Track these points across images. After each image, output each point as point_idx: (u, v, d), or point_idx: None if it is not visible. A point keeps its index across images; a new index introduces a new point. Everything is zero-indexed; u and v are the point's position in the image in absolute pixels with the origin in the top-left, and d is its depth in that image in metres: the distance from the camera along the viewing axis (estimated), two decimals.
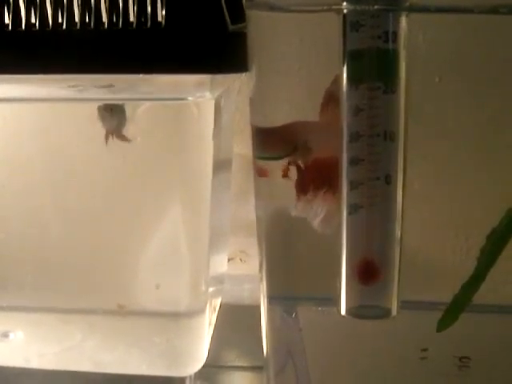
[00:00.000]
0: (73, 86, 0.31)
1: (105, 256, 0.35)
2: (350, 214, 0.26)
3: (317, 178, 0.27)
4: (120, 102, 0.32)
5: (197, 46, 0.28)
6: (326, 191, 0.27)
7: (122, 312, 0.35)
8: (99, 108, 0.32)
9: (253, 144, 0.29)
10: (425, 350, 0.29)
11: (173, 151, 0.33)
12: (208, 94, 0.31)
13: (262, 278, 0.30)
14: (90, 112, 0.33)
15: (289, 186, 0.28)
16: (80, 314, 0.36)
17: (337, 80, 0.25)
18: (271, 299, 0.30)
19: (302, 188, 0.27)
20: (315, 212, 0.27)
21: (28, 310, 0.36)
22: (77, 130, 0.34)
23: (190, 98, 0.31)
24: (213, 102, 0.31)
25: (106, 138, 0.33)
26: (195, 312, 0.35)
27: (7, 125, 0.34)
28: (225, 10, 0.29)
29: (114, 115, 0.32)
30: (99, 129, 0.33)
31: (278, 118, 0.28)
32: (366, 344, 0.30)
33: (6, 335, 0.36)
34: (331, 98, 0.26)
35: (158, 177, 0.33)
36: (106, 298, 0.35)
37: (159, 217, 0.34)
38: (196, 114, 0.32)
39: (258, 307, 0.31)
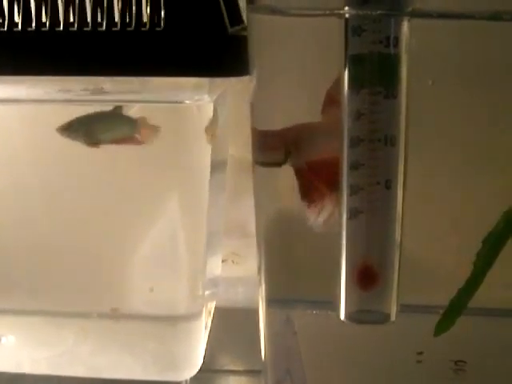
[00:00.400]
0: (70, 88, 0.30)
1: (99, 258, 0.35)
2: (349, 218, 0.26)
3: (321, 180, 0.27)
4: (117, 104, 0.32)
5: (196, 48, 0.28)
6: (331, 192, 0.27)
7: (115, 315, 0.35)
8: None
9: (253, 148, 0.29)
10: (420, 353, 0.29)
11: (170, 152, 0.33)
12: (206, 97, 0.30)
13: (260, 281, 0.30)
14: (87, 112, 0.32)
15: (289, 187, 0.28)
16: (73, 318, 0.35)
17: (337, 82, 0.25)
18: (270, 302, 0.30)
19: (307, 191, 0.27)
20: (322, 213, 0.27)
21: (20, 314, 0.36)
22: None
23: (187, 102, 0.31)
24: (211, 104, 0.31)
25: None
26: (192, 316, 0.35)
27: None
28: (224, 13, 0.29)
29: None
30: None
31: (279, 120, 0.28)
32: (362, 347, 0.30)
33: None
34: (332, 99, 0.26)
35: (155, 178, 0.33)
36: (102, 301, 0.35)
37: (156, 218, 0.34)
38: (195, 116, 0.32)
39: (252, 310, 0.31)
